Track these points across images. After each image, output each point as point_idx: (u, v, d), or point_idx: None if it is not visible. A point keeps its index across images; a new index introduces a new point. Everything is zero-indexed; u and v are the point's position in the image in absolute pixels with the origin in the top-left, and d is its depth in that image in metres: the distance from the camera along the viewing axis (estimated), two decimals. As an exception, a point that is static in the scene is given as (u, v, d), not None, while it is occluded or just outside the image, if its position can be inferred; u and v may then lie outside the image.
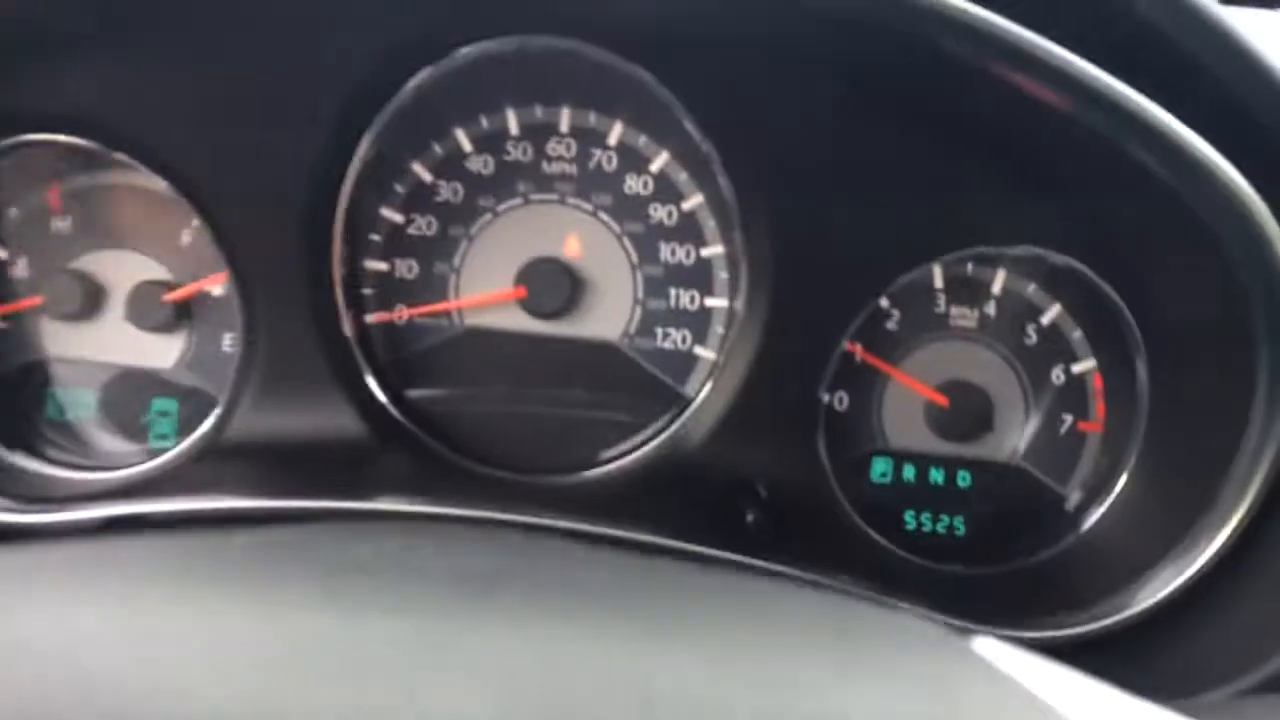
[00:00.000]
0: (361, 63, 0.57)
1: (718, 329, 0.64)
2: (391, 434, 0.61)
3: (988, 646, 0.31)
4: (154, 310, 0.62)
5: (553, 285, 0.64)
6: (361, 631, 0.27)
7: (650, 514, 0.59)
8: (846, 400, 0.64)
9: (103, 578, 0.30)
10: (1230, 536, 0.52)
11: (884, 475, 0.65)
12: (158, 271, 0.63)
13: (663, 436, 0.62)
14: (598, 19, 0.56)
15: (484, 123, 0.64)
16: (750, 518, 0.56)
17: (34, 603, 0.28)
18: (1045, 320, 0.64)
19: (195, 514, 0.55)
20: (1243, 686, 0.47)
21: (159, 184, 0.61)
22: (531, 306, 0.64)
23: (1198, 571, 0.52)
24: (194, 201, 0.59)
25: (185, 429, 0.64)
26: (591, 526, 0.56)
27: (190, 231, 0.63)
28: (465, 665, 0.26)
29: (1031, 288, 0.64)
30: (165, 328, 0.63)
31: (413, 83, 0.59)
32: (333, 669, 0.25)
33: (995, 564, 0.63)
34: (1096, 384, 0.64)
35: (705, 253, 0.64)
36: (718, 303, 0.64)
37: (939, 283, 0.63)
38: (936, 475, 0.65)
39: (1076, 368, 0.64)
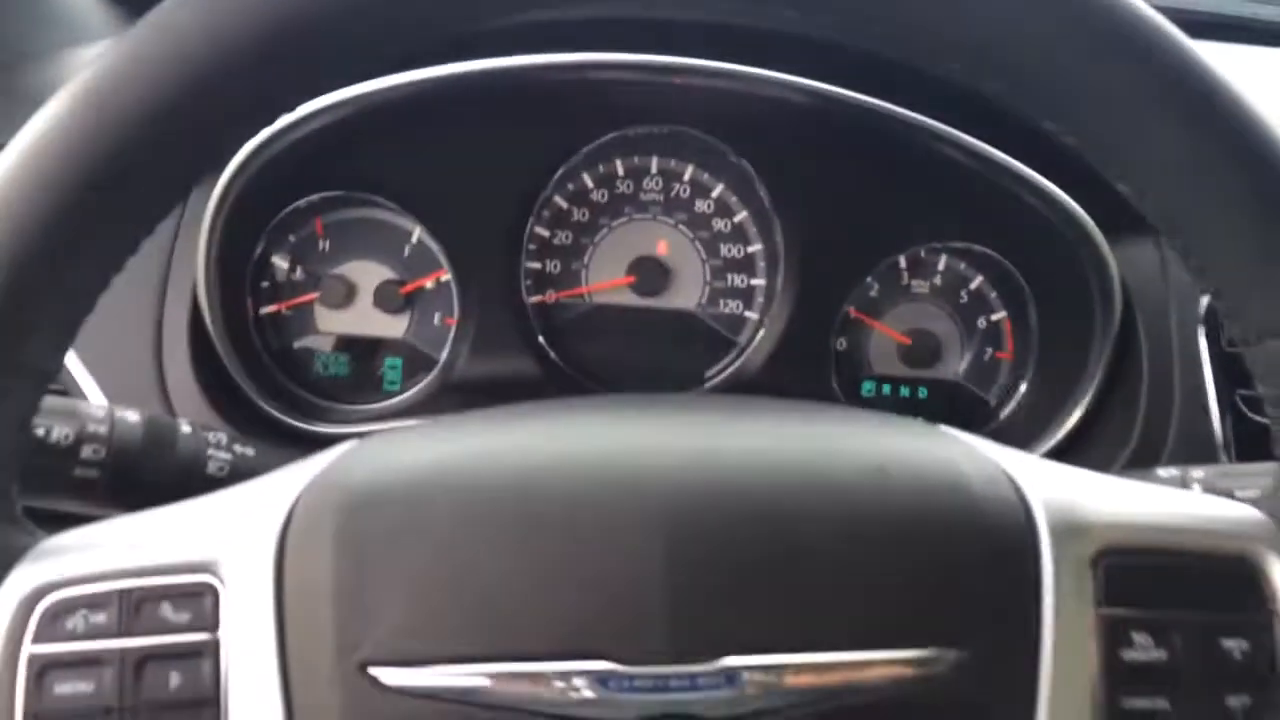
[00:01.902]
0: (542, 146, 0.90)
1: (759, 299, 0.96)
2: (558, 378, 0.93)
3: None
4: (393, 299, 0.94)
5: (651, 274, 0.94)
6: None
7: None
8: (845, 343, 0.97)
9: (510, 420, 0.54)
10: (1080, 418, 0.87)
11: (870, 391, 0.97)
12: (389, 273, 0.95)
13: (727, 372, 0.95)
14: (690, 114, 0.89)
15: (600, 168, 0.95)
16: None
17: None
18: (972, 286, 0.95)
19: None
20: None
21: (388, 214, 0.94)
22: (638, 289, 0.94)
23: (1061, 439, 0.87)
24: (431, 229, 0.91)
25: (407, 377, 0.96)
26: None
27: (409, 245, 0.95)
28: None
29: (963, 265, 0.95)
30: (398, 310, 0.95)
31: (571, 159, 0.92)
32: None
33: (944, 446, 0.96)
34: (1007, 328, 0.95)
35: (750, 250, 0.95)
36: (759, 282, 0.95)
37: (904, 264, 0.96)
38: (904, 390, 0.96)
39: (994, 317, 0.95)
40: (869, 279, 0.94)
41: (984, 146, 0.83)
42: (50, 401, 0.57)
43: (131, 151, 0.41)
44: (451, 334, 0.93)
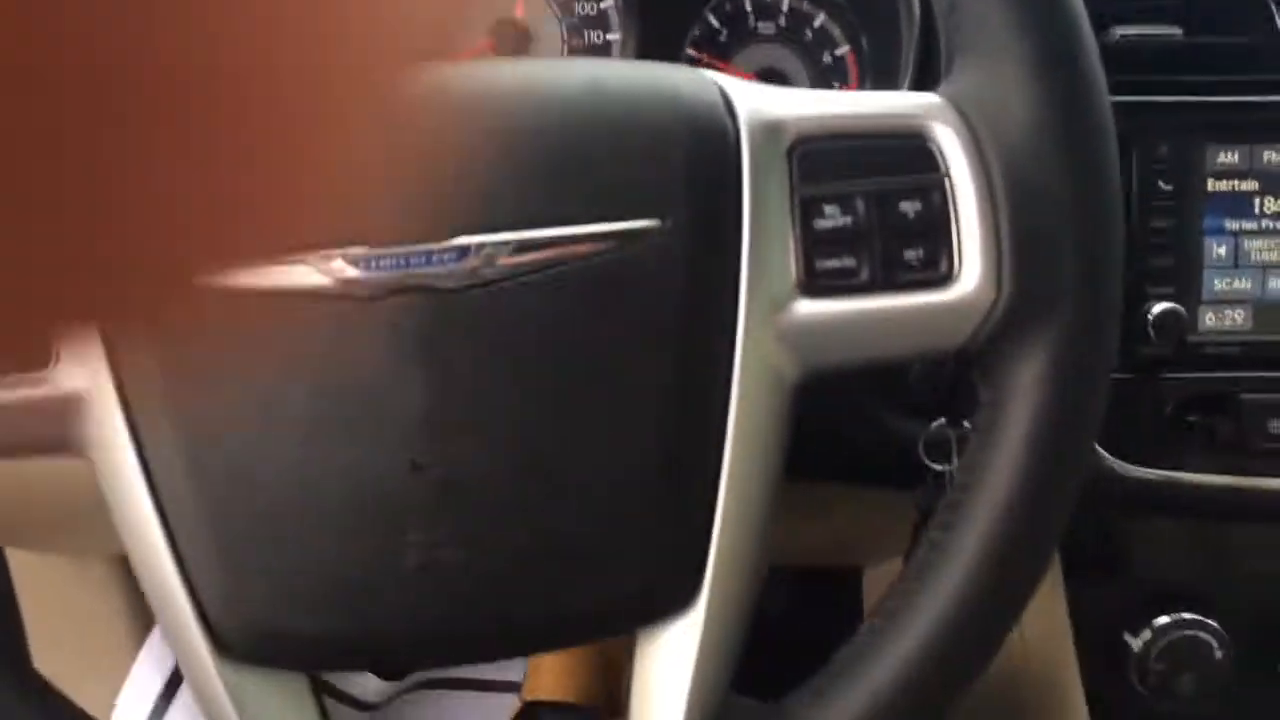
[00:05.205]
0: None
1: (616, 53, 1.03)
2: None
3: None
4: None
5: (509, 36, 1.00)
6: None
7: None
8: (698, 87, 1.04)
9: None
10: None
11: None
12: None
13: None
14: None
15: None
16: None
17: None
18: (816, 24, 1.02)
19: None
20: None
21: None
22: (499, 51, 1.01)
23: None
24: None
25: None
26: None
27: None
28: None
29: (805, 4, 1.02)
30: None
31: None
32: None
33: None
34: (850, 59, 1.03)
35: (602, 6, 1.01)
36: (614, 37, 1.01)
37: (749, 7, 1.02)
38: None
39: (838, 52, 1.02)
40: (715, 23, 0.99)
41: None
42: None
43: None
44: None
